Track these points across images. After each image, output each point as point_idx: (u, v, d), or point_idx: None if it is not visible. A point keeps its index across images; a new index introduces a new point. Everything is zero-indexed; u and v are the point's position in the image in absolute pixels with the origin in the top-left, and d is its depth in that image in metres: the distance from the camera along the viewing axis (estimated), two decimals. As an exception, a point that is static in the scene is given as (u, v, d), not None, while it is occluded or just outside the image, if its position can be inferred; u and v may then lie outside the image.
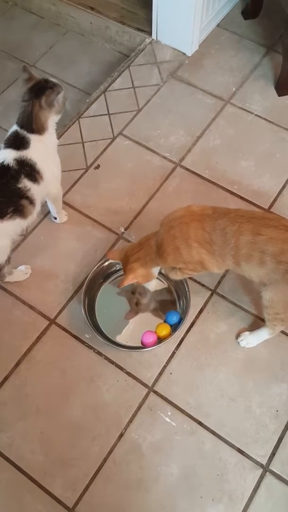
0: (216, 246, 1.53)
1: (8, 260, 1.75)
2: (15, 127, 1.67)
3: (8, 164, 1.61)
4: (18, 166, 1.61)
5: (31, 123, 1.64)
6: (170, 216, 1.62)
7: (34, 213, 1.69)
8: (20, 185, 1.61)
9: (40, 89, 1.65)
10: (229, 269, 1.73)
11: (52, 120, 1.69)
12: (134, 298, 1.79)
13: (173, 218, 1.60)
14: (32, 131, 1.65)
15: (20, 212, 1.62)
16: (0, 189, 1.59)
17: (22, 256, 1.91)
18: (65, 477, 1.57)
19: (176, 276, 1.72)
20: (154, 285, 1.86)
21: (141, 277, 1.67)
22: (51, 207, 1.93)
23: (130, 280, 1.66)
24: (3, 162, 1.61)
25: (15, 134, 1.66)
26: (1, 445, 1.62)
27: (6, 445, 1.62)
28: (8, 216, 1.59)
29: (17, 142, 1.64)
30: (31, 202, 1.64)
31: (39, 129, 1.65)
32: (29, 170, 1.63)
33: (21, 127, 1.65)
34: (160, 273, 1.87)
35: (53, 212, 1.96)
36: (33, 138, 1.65)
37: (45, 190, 1.72)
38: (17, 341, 1.79)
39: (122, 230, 2.00)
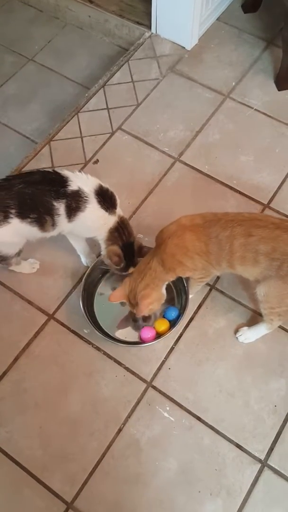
0: (212, 255, 1.54)
1: (19, 253, 1.75)
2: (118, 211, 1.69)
3: (67, 183, 1.59)
4: (71, 193, 1.59)
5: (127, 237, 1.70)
6: (162, 233, 1.60)
7: (50, 234, 1.68)
8: (55, 204, 1.58)
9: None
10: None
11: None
12: (132, 315, 1.77)
13: (166, 236, 1.57)
14: (111, 212, 1.67)
15: (40, 223, 1.61)
16: (37, 193, 1.58)
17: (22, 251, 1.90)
18: (64, 472, 1.58)
19: (195, 286, 1.77)
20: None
21: (156, 301, 1.64)
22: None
23: (147, 305, 1.61)
24: (69, 179, 1.60)
25: (114, 200, 1.68)
26: (-1, 440, 1.63)
27: (4, 440, 1.62)
28: (29, 220, 1.59)
29: (108, 201, 1.65)
30: (53, 224, 1.62)
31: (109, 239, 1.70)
32: (73, 206, 1.60)
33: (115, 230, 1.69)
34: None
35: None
36: (106, 217, 1.66)
37: (66, 230, 1.70)
38: (16, 336, 1.79)
39: (121, 225, 2.00)
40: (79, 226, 1.66)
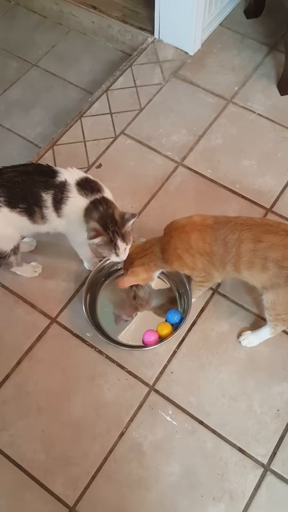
0: (216, 256, 1.55)
1: (14, 251, 1.74)
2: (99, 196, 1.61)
3: (57, 175, 1.60)
4: (59, 184, 1.59)
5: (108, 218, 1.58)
6: (172, 225, 1.62)
7: (43, 228, 1.68)
8: (43, 195, 1.59)
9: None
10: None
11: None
12: (132, 292, 1.80)
13: (174, 228, 1.60)
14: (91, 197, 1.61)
15: (29, 214, 1.62)
16: (27, 183, 1.59)
17: (24, 255, 1.91)
18: (66, 476, 1.57)
19: (197, 290, 1.76)
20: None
21: (142, 280, 1.70)
22: None
23: (130, 282, 1.68)
24: (59, 172, 1.61)
25: (97, 202, 1.61)
26: (2, 444, 1.62)
27: (7, 444, 1.62)
28: (18, 210, 1.60)
29: (88, 188, 1.61)
30: (42, 216, 1.63)
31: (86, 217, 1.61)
32: (59, 198, 1.60)
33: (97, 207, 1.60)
34: (162, 272, 1.87)
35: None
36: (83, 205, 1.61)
37: (61, 228, 1.69)
38: (19, 339, 1.79)
39: (124, 229, 2.00)
40: (72, 227, 1.66)
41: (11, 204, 1.58)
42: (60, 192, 1.59)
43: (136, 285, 1.78)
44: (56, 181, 1.59)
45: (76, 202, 1.60)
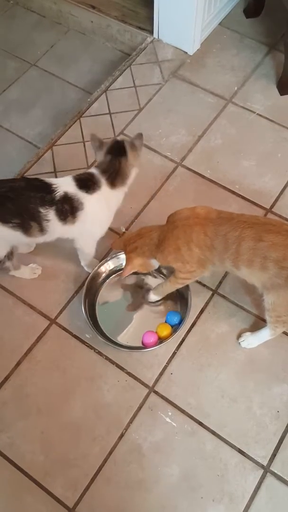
0: (216, 251, 1.54)
1: (8, 257, 1.74)
2: (94, 170, 1.66)
3: (52, 188, 1.59)
4: (60, 198, 1.58)
5: (115, 177, 1.64)
6: (175, 215, 1.63)
7: (41, 239, 1.67)
8: (41, 210, 1.57)
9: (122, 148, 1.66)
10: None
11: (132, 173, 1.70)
12: (141, 293, 1.79)
13: (178, 218, 1.60)
14: (112, 183, 1.64)
15: (24, 229, 1.60)
16: (21, 199, 1.57)
17: (23, 256, 1.90)
18: (66, 477, 1.57)
19: (166, 288, 1.76)
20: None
21: (140, 266, 1.69)
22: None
23: (128, 270, 1.68)
24: (52, 184, 1.60)
25: (91, 176, 1.64)
26: (1, 445, 1.62)
27: (6, 445, 1.62)
28: (10, 225, 1.58)
29: (87, 184, 1.62)
30: (41, 229, 1.61)
31: (117, 184, 1.66)
32: (67, 209, 1.59)
33: (103, 173, 1.64)
34: (161, 273, 1.87)
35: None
36: (104, 189, 1.64)
37: (70, 234, 1.69)
38: (18, 341, 1.79)
39: (123, 230, 2.00)
40: (92, 223, 1.66)
41: (3, 219, 1.57)
42: (67, 204, 1.58)
43: (148, 290, 1.80)
44: (56, 196, 1.58)
45: (93, 199, 1.61)
